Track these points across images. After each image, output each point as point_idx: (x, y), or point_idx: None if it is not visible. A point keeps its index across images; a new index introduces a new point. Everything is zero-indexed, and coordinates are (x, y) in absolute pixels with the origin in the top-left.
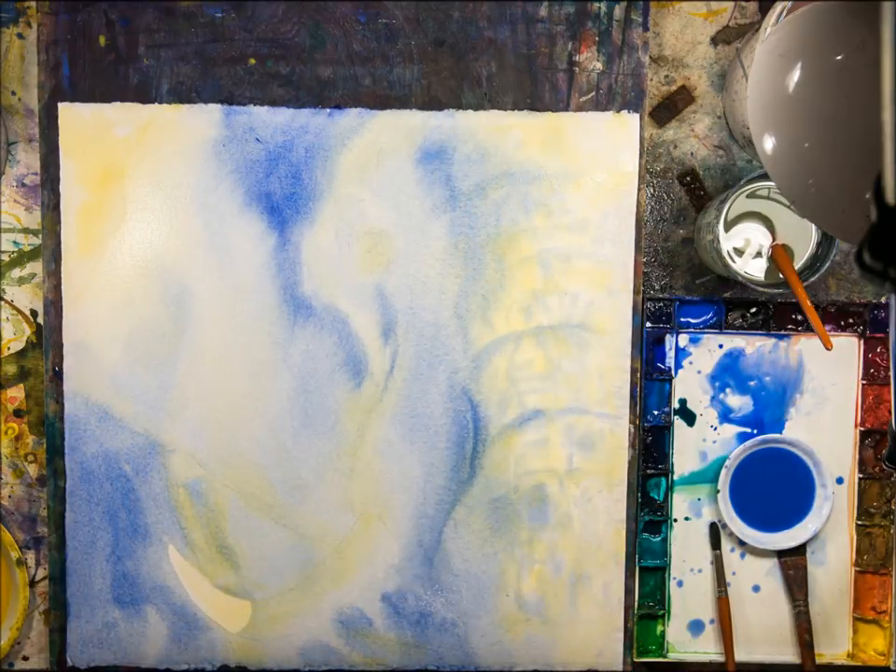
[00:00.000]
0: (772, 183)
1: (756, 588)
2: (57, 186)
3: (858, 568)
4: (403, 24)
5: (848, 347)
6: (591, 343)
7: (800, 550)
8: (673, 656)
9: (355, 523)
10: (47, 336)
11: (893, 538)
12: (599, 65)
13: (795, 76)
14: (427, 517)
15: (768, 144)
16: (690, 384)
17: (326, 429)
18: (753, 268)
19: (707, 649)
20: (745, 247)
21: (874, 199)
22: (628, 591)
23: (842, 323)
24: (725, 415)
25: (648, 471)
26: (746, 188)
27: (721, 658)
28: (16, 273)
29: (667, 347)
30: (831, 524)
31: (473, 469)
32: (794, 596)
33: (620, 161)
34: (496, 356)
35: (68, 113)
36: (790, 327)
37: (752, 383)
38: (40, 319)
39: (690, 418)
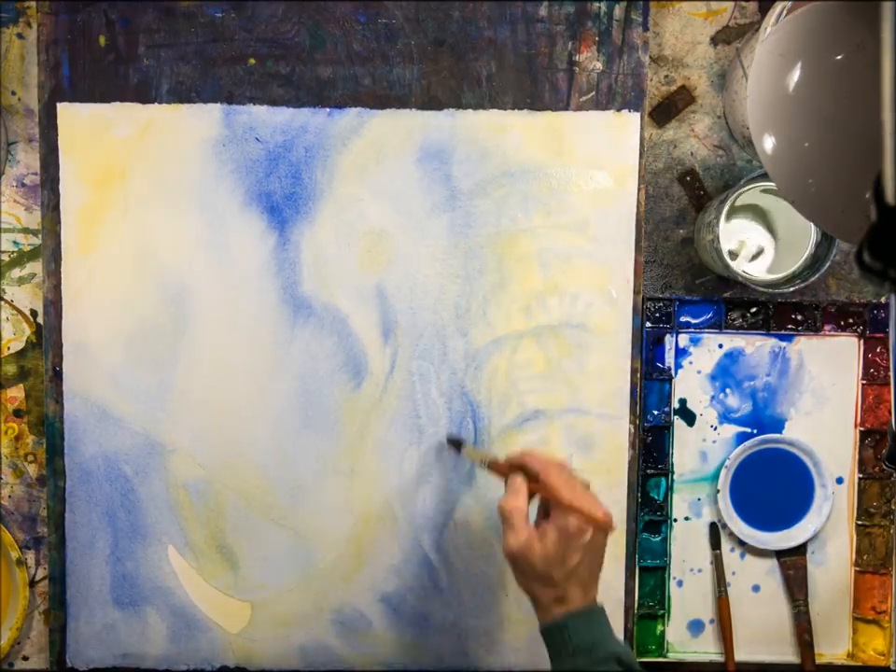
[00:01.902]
0: (772, 183)
1: (756, 588)
2: (57, 186)
3: (858, 568)
4: (403, 24)
5: (848, 347)
6: (591, 343)
7: (800, 550)
8: (673, 656)
9: (354, 523)
10: (46, 336)
11: (893, 538)
12: (599, 65)
13: (795, 76)
14: (427, 518)
15: (768, 144)
16: (690, 384)
17: (326, 430)
18: (753, 268)
19: (707, 649)
20: (739, 249)
21: (873, 199)
22: (628, 591)
23: (842, 323)
24: (725, 415)
25: (648, 471)
26: (746, 188)
27: (721, 658)
28: (16, 272)
29: (667, 347)
30: (830, 524)
31: (473, 469)
32: (794, 596)
33: (620, 160)
34: (496, 356)
35: (68, 113)
36: (790, 327)
37: (752, 383)
38: (40, 319)
39: (690, 418)
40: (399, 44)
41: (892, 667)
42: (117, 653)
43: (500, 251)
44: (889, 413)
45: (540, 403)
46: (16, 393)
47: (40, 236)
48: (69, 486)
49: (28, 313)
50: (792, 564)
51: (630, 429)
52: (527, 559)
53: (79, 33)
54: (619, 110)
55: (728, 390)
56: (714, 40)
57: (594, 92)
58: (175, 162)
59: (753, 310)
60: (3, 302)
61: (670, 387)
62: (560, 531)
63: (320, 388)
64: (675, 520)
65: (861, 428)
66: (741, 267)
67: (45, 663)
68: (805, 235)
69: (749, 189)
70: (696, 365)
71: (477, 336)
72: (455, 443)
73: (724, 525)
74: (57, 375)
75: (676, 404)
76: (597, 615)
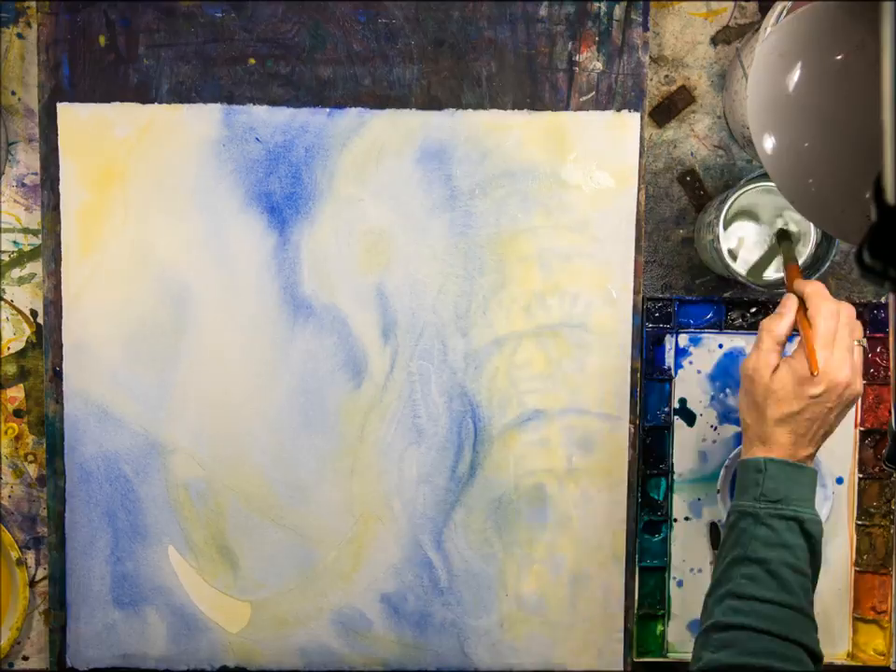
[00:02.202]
0: (772, 183)
1: None
2: (57, 186)
3: (858, 568)
4: (403, 24)
5: None
6: (591, 343)
7: None
8: (673, 656)
9: (355, 523)
10: (47, 336)
11: (893, 538)
12: (599, 65)
13: (795, 76)
14: (427, 517)
15: (768, 144)
16: (690, 384)
17: (326, 429)
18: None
19: None
20: (738, 248)
21: (874, 199)
22: (628, 591)
23: None
24: (725, 415)
25: (648, 471)
26: (746, 188)
27: None
28: (16, 272)
29: (667, 347)
30: (830, 524)
31: (473, 469)
32: None
33: (620, 160)
34: (496, 356)
35: (68, 113)
36: None
37: None
38: (40, 319)
39: (690, 418)
40: (399, 44)
41: (892, 667)
42: (117, 653)
43: (500, 251)
44: (889, 412)
45: (540, 403)
46: (16, 393)
47: (40, 236)
48: (69, 486)
49: (28, 313)
50: None
51: (630, 429)
52: (753, 384)
53: (79, 33)
54: (619, 110)
55: (728, 390)
56: (714, 40)
57: (594, 92)
58: (175, 162)
59: (753, 310)
60: (3, 302)
61: (670, 387)
62: (792, 372)
63: (320, 388)
64: (675, 520)
65: (861, 428)
66: (745, 265)
67: (45, 663)
68: (805, 235)
69: (747, 190)
70: (696, 365)
71: (477, 336)
72: (784, 235)
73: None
74: (57, 375)
75: (676, 404)
76: (803, 475)
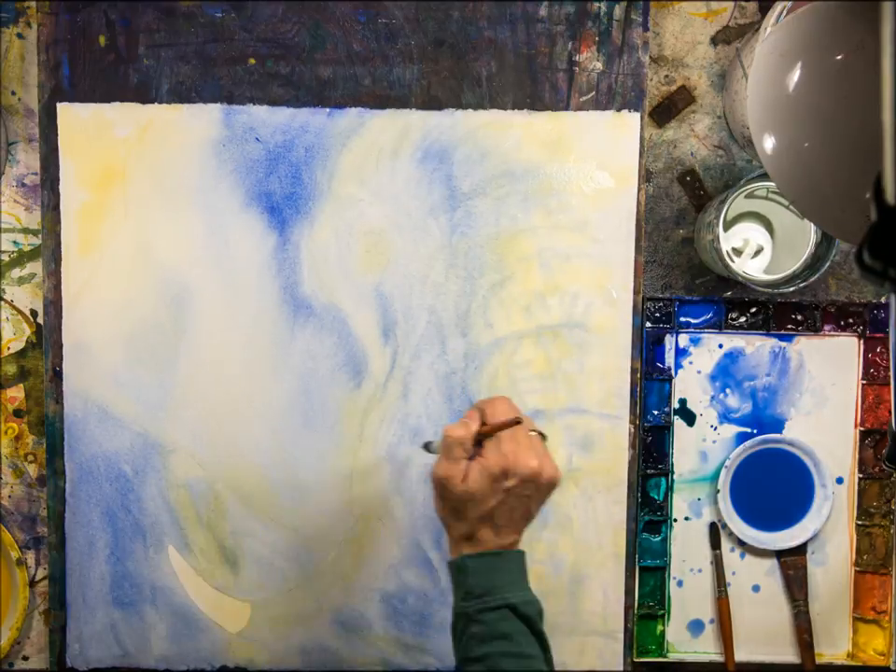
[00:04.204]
0: (772, 183)
1: (756, 588)
2: (57, 186)
3: (858, 568)
4: (403, 24)
5: (848, 347)
6: (591, 343)
7: (800, 550)
8: (673, 656)
9: (354, 523)
10: (47, 336)
11: (893, 538)
12: (599, 65)
13: (795, 76)
14: (427, 518)
15: (768, 144)
16: (690, 384)
17: (326, 429)
18: (753, 268)
19: (706, 649)
20: (744, 247)
21: (873, 199)
22: (628, 591)
23: (842, 323)
24: (725, 415)
25: (648, 471)
26: (746, 188)
27: (720, 658)
28: (16, 272)
29: (667, 347)
30: (831, 524)
31: None
32: (794, 596)
33: (620, 160)
34: (496, 356)
35: (68, 113)
36: (790, 327)
37: (752, 383)
38: (40, 319)
39: (690, 418)
40: (399, 44)
41: (892, 667)
42: (117, 653)
43: (500, 251)
44: (889, 412)
45: (540, 403)
46: (16, 393)
47: (40, 236)
48: (69, 486)
49: (28, 313)
50: (792, 564)
51: (630, 429)
52: (447, 490)
53: (79, 33)
54: (619, 110)
55: (728, 390)
56: (714, 40)
57: (594, 92)
58: (175, 162)
59: (753, 310)
60: (3, 302)
61: (670, 387)
62: (482, 471)
63: (320, 388)
64: (675, 520)
65: (861, 428)
66: (743, 266)
67: (45, 663)
68: (805, 235)
69: (747, 190)
70: (696, 365)
71: (477, 336)
72: (427, 446)
73: (724, 525)
74: (57, 375)
75: (676, 404)
76: (508, 560)
